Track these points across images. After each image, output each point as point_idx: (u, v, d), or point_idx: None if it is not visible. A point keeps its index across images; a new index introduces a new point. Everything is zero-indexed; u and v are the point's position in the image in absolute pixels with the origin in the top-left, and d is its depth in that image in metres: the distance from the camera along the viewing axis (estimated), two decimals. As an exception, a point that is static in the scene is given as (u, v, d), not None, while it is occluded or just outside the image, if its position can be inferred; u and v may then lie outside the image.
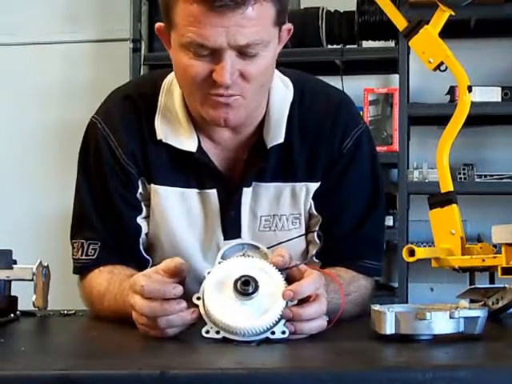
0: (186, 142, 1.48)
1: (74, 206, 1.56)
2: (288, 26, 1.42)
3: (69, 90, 3.66)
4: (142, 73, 3.26)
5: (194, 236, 1.52)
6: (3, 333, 1.28)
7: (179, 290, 1.17)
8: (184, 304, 1.16)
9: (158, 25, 1.43)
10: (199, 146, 1.48)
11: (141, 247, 1.52)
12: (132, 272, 1.45)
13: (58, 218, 3.57)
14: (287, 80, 1.53)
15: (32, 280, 1.41)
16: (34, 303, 1.42)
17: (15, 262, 1.42)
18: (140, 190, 1.51)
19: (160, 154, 1.49)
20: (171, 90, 1.51)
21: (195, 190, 1.50)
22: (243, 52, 1.33)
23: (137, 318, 1.21)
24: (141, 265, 1.49)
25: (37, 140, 3.66)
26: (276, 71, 1.50)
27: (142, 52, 3.27)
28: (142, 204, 1.52)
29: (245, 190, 1.49)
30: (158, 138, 1.48)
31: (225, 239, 1.50)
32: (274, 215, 1.52)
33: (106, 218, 1.51)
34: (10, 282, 1.41)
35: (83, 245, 1.51)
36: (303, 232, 1.53)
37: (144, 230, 1.52)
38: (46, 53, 3.66)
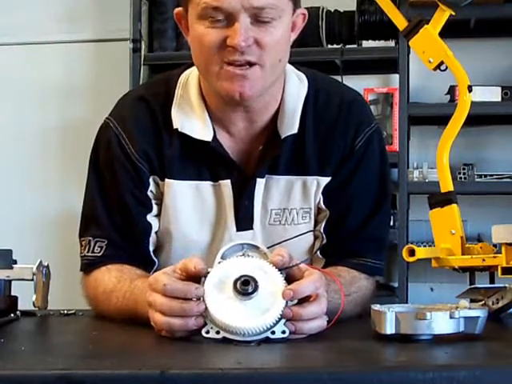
0: (202, 131, 1.49)
1: (84, 204, 1.57)
2: (302, 10, 1.45)
3: (69, 90, 3.66)
4: (141, 73, 3.25)
5: (206, 228, 1.53)
6: (3, 333, 1.28)
7: (201, 291, 1.16)
8: (203, 306, 1.15)
9: (176, 10, 1.47)
10: (214, 136, 1.49)
11: (150, 247, 1.53)
12: (142, 272, 1.46)
13: (58, 218, 3.58)
14: (302, 75, 1.56)
15: (32, 280, 1.41)
16: (34, 303, 1.42)
17: (15, 262, 1.42)
18: (151, 187, 1.52)
19: (174, 147, 1.50)
20: (188, 83, 1.53)
21: (209, 183, 1.52)
22: (257, 17, 1.36)
23: (153, 316, 1.19)
24: (147, 266, 1.50)
25: (37, 140, 3.66)
26: (291, 66, 1.53)
27: (142, 52, 3.27)
28: (153, 202, 1.53)
29: (258, 180, 1.51)
30: (175, 126, 1.50)
31: (237, 230, 1.51)
32: (284, 209, 1.53)
33: (115, 216, 1.51)
34: (10, 281, 1.41)
35: (90, 242, 1.51)
36: (312, 226, 1.54)
37: (154, 227, 1.53)
38: (46, 53, 3.66)
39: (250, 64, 1.39)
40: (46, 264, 1.46)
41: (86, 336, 1.34)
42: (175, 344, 1.15)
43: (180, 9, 1.46)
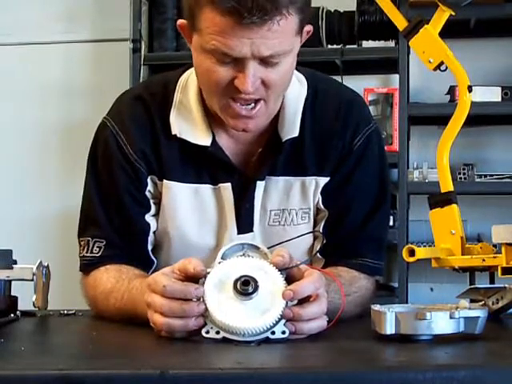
0: (201, 136, 1.49)
1: (82, 204, 1.57)
2: (308, 28, 1.43)
3: (68, 90, 3.66)
4: (141, 73, 3.25)
5: (207, 231, 1.53)
6: (3, 333, 1.27)
7: (201, 291, 1.16)
8: (203, 306, 1.15)
9: (180, 22, 1.43)
10: (213, 141, 1.50)
11: (148, 247, 1.53)
12: (140, 272, 1.46)
13: (57, 218, 3.58)
14: (302, 77, 1.56)
15: (32, 280, 1.41)
16: (34, 303, 1.42)
17: (15, 262, 1.42)
18: (149, 187, 1.52)
19: (173, 150, 1.51)
20: (187, 87, 1.53)
21: (209, 186, 1.52)
22: (266, 61, 1.35)
23: (153, 317, 1.19)
24: (145, 265, 1.51)
25: (36, 140, 3.66)
26: None
27: (142, 52, 3.26)
28: (151, 202, 1.53)
29: (258, 183, 1.51)
30: (173, 132, 1.50)
31: (238, 233, 1.51)
32: (283, 209, 1.54)
33: (114, 216, 1.51)
34: (10, 282, 1.41)
35: (89, 242, 1.52)
36: (311, 226, 1.54)
37: (153, 227, 1.53)
38: (46, 53, 3.66)
39: (256, 100, 1.39)
40: (45, 264, 1.46)
41: (85, 336, 1.34)
42: (175, 344, 1.15)
43: (184, 22, 1.42)
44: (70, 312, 1.49)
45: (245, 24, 1.28)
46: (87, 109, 3.57)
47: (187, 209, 1.52)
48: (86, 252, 1.52)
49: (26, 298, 1.43)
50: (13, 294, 1.43)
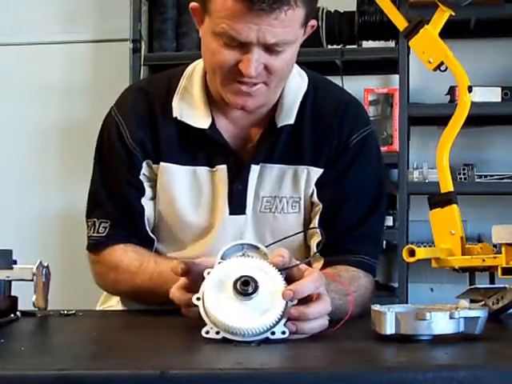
0: (200, 119, 1.56)
1: (90, 188, 1.65)
2: (312, 22, 1.49)
3: (69, 90, 3.66)
4: (141, 73, 3.25)
5: (202, 212, 1.58)
6: (3, 333, 1.27)
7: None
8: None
9: (192, 4, 1.50)
10: (212, 124, 1.56)
11: (147, 227, 1.59)
12: (156, 255, 1.56)
13: (58, 218, 3.58)
14: (303, 73, 1.62)
15: (32, 280, 1.41)
16: (34, 303, 1.42)
17: (15, 262, 1.42)
18: (144, 171, 1.58)
19: (172, 134, 1.57)
20: (193, 74, 1.61)
21: (205, 168, 1.57)
22: (270, 49, 1.41)
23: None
24: (147, 243, 1.58)
25: (37, 140, 3.66)
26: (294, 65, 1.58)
27: (142, 52, 3.27)
28: (147, 185, 1.59)
29: (253, 166, 1.56)
30: (174, 115, 1.57)
31: (230, 214, 1.56)
32: (275, 197, 1.58)
33: (115, 200, 1.59)
34: (10, 282, 1.41)
35: (95, 223, 1.60)
36: (301, 217, 1.58)
37: (147, 210, 1.59)
38: (46, 53, 3.66)
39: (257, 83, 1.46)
40: (45, 264, 1.46)
41: (85, 336, 1.34)
42: (175, 344, 1.15)
43: (196, 5, 1.48)
44: (70, 312, 1.49)
45: (254, 10, 1.35)
46: (87, 109, 3.57)
47: (185, 190, 1.57)
48: (93, 232, 1.59)
49: (25, 298, 1.43)
50: (13, 294, 1.43)
